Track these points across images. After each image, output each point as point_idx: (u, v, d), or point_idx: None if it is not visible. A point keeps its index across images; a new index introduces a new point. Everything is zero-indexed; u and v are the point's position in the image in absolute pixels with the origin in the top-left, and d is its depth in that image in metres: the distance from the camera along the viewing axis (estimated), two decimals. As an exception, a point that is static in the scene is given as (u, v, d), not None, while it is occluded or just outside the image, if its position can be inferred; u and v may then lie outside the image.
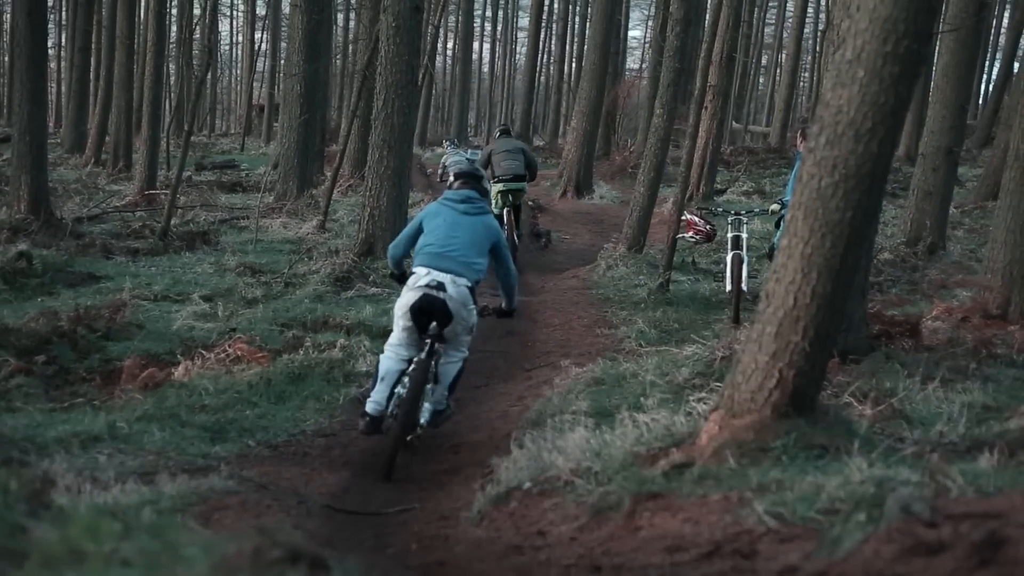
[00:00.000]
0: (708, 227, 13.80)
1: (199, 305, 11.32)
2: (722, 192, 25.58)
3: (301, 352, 9.16)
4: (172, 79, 49.03)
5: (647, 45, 63.18)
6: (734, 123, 44.07)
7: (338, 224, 18.45)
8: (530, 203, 22.80)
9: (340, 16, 50.28)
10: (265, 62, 54.42)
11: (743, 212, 12.86)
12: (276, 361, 8.89)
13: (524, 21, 67.15)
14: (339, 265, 13.73)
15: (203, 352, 8.98)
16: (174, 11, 50.07)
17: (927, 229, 15.71)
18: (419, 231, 8.19)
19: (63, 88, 48.78)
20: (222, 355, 8.90)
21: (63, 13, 55.77)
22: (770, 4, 63.94)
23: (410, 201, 16.88)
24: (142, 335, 9.96)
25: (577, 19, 55.94)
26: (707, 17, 26.25)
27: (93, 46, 36.39)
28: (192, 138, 21.51)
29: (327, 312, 11.46)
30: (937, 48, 17.81)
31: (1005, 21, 48.24)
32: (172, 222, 16.84)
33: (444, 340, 7.76)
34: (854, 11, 5.17)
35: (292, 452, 7.42)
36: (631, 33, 66.36)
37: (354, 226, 16.47)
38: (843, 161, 5.15)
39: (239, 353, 8.93)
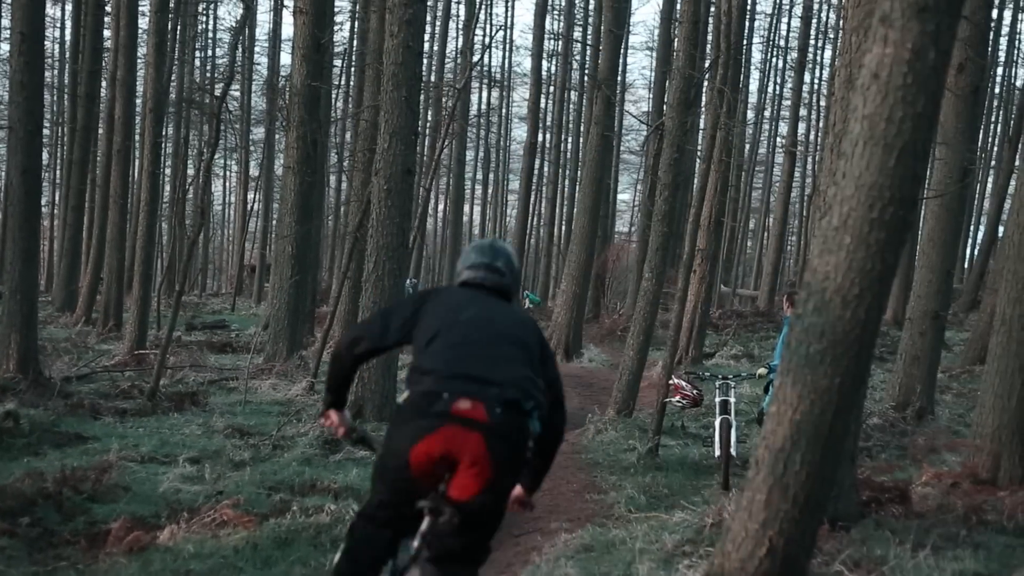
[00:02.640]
0: (695, 392, 13.82)
1: (186, 467, 11.24)
2: (711, 356, 25.63)
3: (288, 516, 9.06)
4: (164, 238, 49.43)
5: (636, 209, 63.97)
6: (722, 286, 44.37)
7: (327, 386, 18.39)
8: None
9: (332, 178, 50.81)
10: (257, 222, 54.90)
11: (731, 376, 12.88)
12: (263, 525, 8.79)
13: (515, 184, 68.03)
14: (328, 428, 13.65)
15: (189, 515, 8.89)
16: (168, 171, 50.62)
17: (915, 394, 15.72)
18: None
19: (55, 246, 49.10)
20: (208, 519, 8.81)
21: (57, 172, 56.35)
22: (757, 169, 64.81)
23: (399, 363, 16.87)
24: (128, 497, 9.87)
25: (567, 183, 56.56)
26: (695, 182, 26.62)
27: (86, 205, 36.72)
28: (183, 298, 21.59)
29: (315, 476, 11.37)
30: (922, 213, 18.03)
31: (989, 186, 48.91)
32: (161, 382, 16.78)
33: None
34: (840, 178, 5.25)
35: (277, 618, 7.31)
36: (620, 197, 66.96)
37: (343, 388, 16.40)
38: (831, 327, 5.18)
39: (225, 517, 8.84)
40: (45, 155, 47.79)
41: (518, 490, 5.23)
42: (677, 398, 13.82)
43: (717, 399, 12.46)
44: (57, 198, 54.21)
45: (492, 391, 4.66)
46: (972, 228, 48.64)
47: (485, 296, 5.29)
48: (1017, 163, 36.00)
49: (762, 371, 12.54)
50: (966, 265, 46.04)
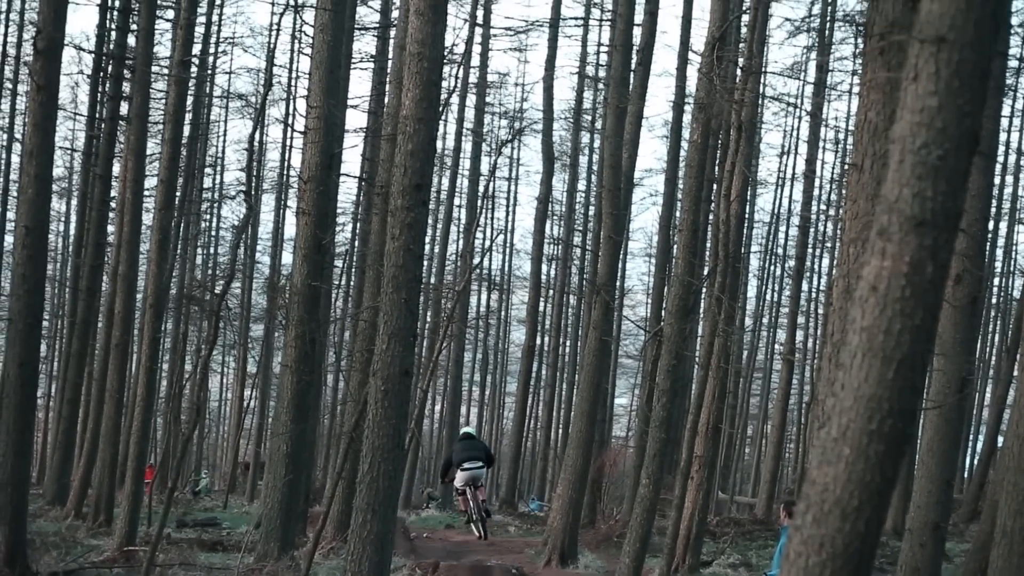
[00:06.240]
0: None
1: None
2: (708, 564, 25.24)
3: None
4: (159, 433, 49.15)
5: (633, 413, 63.74)
6: (720, 493, 43.93)
7: (318, 588, 18.14)
8: (513, 571, 22.49)
9: (330, 377, 50.83)
10: (253, 420, 54.71)
11: (729, 586, 12.73)
12: None
13: (512, 386, 67.90)
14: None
15: None
16: (166, 366, 50.65)
17: (916, 607, 15.47)
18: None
19: (48, 438, 48.81)
20: None
21: (55, 364, 56.38)
22: (755, 375, 64.82)
23: (392, 566, 16.65)
24: None
25: (564, 386, 56.56)
26: (693, 388, 26.61)
27: (82, 398, 36.59)
28: (175, 494, 21.35)
29: None
30: (921, 423, 17.98)
31: (988, 397, 48.87)
32: (149, 581, 16.55)
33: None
34: (838, 389, 5.22)
35: None
36: (618, 401, 66.82)
37: (334, 590, 16.18)
38: (830, 540, 5.10)
39: None
40: (43, 347, 47.88)
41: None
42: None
43: (714, 609, 12.30)
44: (53, 390, 54.07)
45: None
46: (971, 438, 48.49)
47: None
48: (1015, 373, 36.06)
49: (760, 582, 12.41)
50: (966, 475, 45.76)
